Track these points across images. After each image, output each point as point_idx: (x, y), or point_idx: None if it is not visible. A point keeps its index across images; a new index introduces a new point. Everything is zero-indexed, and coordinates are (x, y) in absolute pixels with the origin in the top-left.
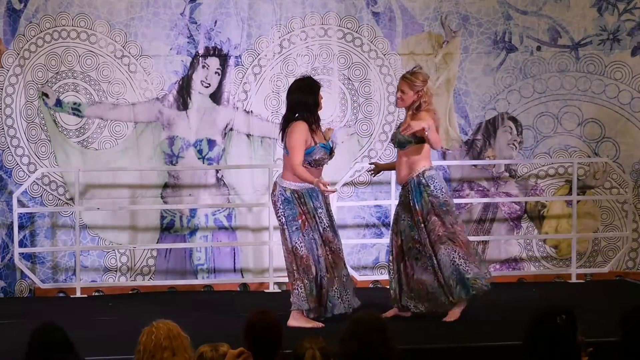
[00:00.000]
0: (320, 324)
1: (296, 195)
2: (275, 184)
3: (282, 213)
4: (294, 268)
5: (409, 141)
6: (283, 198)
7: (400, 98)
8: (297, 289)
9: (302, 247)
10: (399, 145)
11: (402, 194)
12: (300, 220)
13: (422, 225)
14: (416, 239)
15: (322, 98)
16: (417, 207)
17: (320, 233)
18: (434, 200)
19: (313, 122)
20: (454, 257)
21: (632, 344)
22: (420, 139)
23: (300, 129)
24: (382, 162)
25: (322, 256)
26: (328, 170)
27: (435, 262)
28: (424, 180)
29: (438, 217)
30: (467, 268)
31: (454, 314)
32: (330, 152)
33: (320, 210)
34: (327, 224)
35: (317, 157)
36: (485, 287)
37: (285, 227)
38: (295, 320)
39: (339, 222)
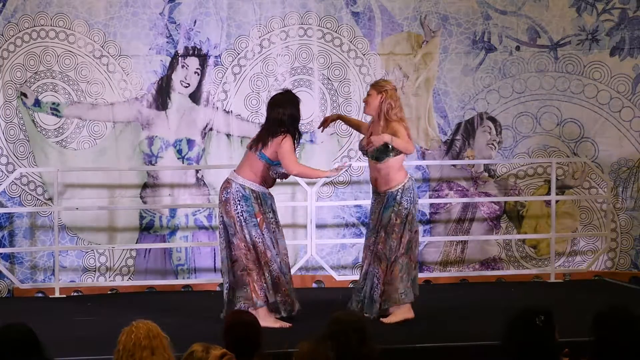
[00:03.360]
0: (287, 324)
1: (254, 195)
2: (228, 181)
3: (240, 209)
4: (251, 262)
5: (386, 154)
6: (241, 195)
7: (366, 102)
8: (257, 283)
9: (261, 242)
10: (375, 159)
11: (375, 199)
12: (258, 219)
13: (380, 234)
14: (372, 240)
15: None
16: (382, 216)
17: (272, 235)
18: (402, 212)
19: (298, 137)
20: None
21: (606, 343)
22: (397, 150)
23: (290, 142)
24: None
25: (278, 255)
26: None
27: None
28: (399, 195)
29: (399, 231)
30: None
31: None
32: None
33: (271, 215)
34: (275, 228)
35: (284, 171)
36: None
37: (243, 223)
38: (263, 320)
39: (318, 222)
